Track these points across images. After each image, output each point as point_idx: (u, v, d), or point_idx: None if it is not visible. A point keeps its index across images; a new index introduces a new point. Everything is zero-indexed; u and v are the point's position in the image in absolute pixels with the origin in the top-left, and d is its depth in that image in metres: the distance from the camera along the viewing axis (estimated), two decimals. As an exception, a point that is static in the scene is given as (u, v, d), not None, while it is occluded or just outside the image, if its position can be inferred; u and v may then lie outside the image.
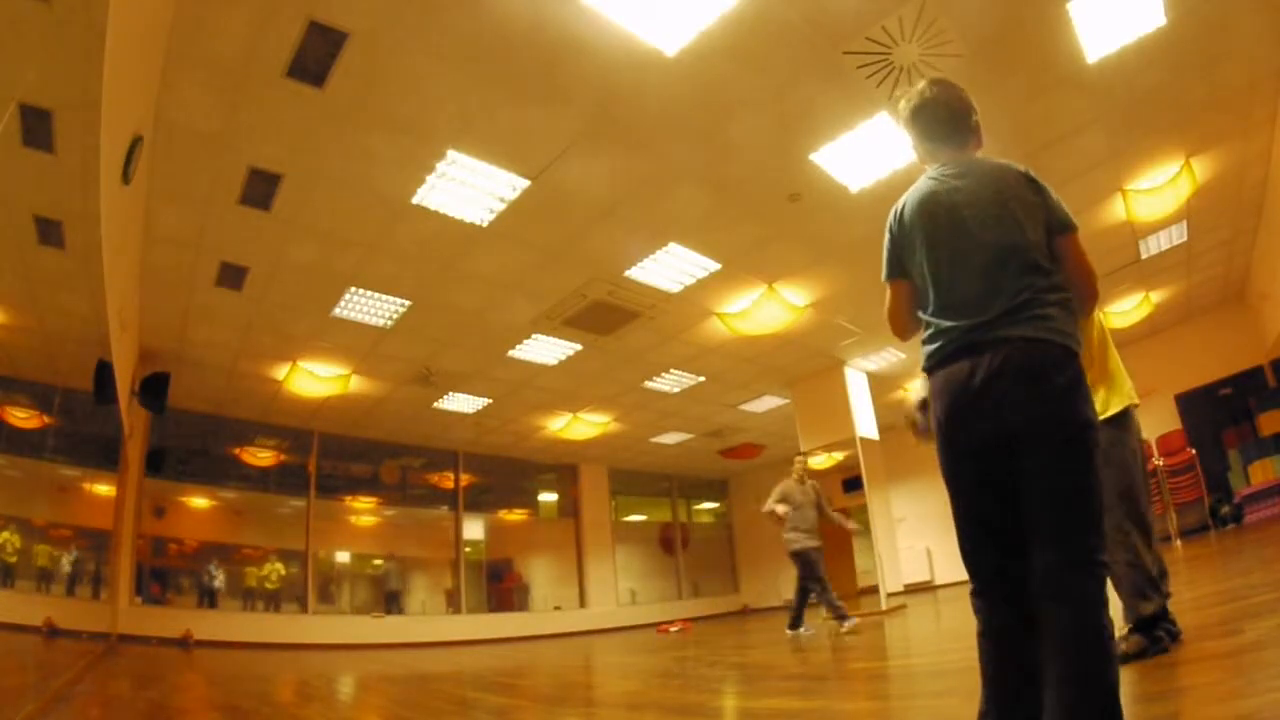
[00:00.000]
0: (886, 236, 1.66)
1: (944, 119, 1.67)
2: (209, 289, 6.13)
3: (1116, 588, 2.65)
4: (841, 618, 6.05)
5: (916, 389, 1.70)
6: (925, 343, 1.54)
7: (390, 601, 11.06)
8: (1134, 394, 2.77)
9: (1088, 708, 1.17)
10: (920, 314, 1.58)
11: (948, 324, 1.47)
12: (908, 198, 1.64)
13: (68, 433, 4.70)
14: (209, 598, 9.24)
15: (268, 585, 9.76)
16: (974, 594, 1.45)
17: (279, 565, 9.93)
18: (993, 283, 1.44)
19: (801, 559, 6.38)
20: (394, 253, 5.87)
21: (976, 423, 1.40)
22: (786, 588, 14.38)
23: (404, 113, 4.37)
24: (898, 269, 1.64)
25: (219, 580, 9.33)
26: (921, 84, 1.71)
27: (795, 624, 6.39)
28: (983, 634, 1.40)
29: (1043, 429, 1.34)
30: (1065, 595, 1.26)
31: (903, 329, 1.69)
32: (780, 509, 6.49)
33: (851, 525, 7.09)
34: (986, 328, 1.40)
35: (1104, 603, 1.26)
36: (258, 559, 9.97)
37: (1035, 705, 1.26)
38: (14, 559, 3.51)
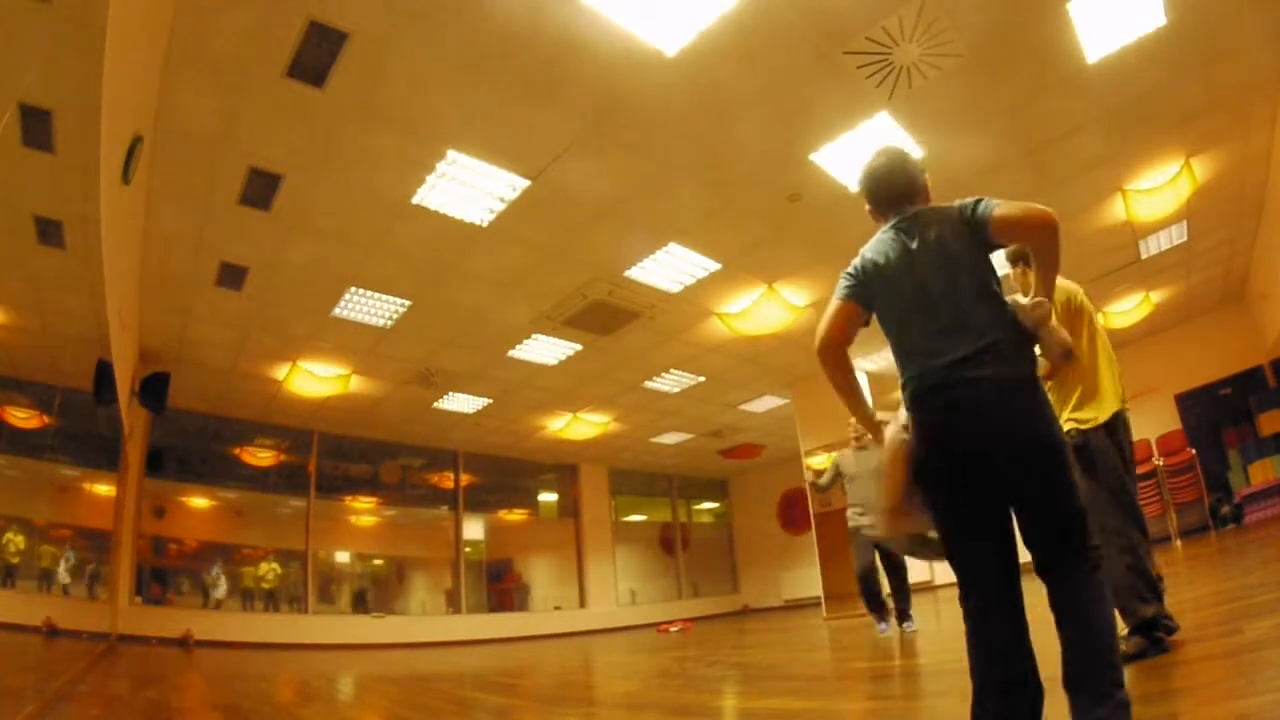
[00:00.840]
0: (845, 280, 1.78)
1: (885, 185, 1.83)
2: (209, 289, 6.13)
3: (1115, 590, 2.65)
4: (900, 615, 5.27)
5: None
6: (904, 382, 1.67)
7: (359, 602, 11.00)
8: (1122, 398, 2.77)
9: (1092, 662, 1.41)
10: (895, 353, 1.72)
11: (920, 366, 1.61)
12: (868, 252, 1.77)
13: (68, 433, 4.70)
14: (214, 598, 9.27)
15: (264, 585, 9.77)
16: (964, 597, 1.57)
17: (275, 565, 9.93)
18: (955, 326, 1.58)
19: (855, 541, 5.45)
20: (394, 253, 5.87)
21: (952, 453, 1.55)
22: (787, 587, 14.43)
23: (404, 113, 4.37)
24: (853, 296, 1.76)
25: (223, 582, 9.36)
26: (872, 154, 1.89)
27: (900, 617, 5.31)
28: (974, 631, 1.53)
29: (1015, 456, 1.51)
30: (1065, 579, 1.50)
31: (834, 345, 1.77)
32: (822, 482, 5.68)
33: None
34: (956, 367, 1.54)
35: (1099, 580, 1.50)
36: (257, 559, 9.98)
37: (1026, 684, 1.46)
38: (16, 559, 3.52)
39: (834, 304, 1.78)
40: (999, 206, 1.61)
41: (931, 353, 1.59)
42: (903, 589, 5.34)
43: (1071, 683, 1.43)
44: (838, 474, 5.61)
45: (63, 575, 3.90)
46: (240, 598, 9.58)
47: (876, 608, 5.45)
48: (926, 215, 1.73)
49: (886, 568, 5.41)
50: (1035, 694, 1.46)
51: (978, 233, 1.62)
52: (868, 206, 1.90)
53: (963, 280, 1.61)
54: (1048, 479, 1.51)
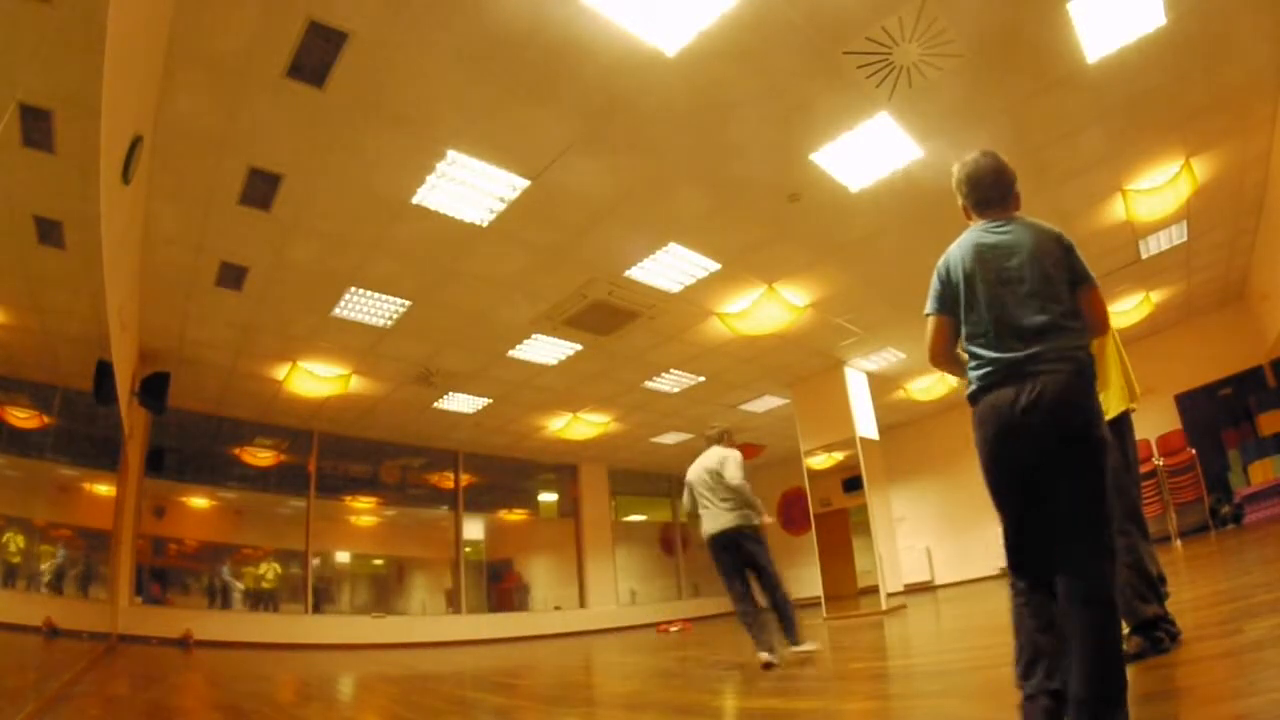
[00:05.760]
0: (935, 278, 1.92)
1: (992, 184, 1.94)
2: (209, 289, 6.13)
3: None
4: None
5: None
6: (974, 369, 1.79)
7: (320, 598, 10.75)
8: (1131, 397, 2.77)
9: (1100, 657, 1.51)
10: (967, 346, 1.82)
11: (995, 355, 1.72)
12: (958, 247, 1.90)
13: (68, 433, 4.70)
14: (221, 598, 9.28)
15: (264, 585, 9.78)
16: (1014, 575, 1.73)
17: (275, 565, 9.94)
18: (1032, 320, 1.71)
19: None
20: (394, 253, 5.87)
21: (1018, 440, 1.67)
22: (787, 587, 14.41)
23: (404, 113, 4.37)
24: (943, 306, 1.90)
25: (232, 581, 9.38)
26: (975, 154, 2.00)
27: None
28: (1023, 605, 1.68)
29: (1071, 448, 1.63)
30: (1085, 573, 1.59)
31: (941, 359, 1.96)
32: (686, 507, 4.93)
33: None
34: (1031, 360, 1.67)
35: (1113, 577, 1.61)
36: (257, 559, 9.99)
37: (1061, 655, 1.59)
38: (17, 559, 3.51)
39: (929, 321, 1.94)
40: (1097, 284, 1.85)
41: (1004, 350, 1.71)
42: (774, 599, 4.52)
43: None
44: (690, 491, 4.84)
45: (46, 574, 3.87)
46: (240, 597, 9.60)
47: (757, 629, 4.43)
48: (1022, 223, 1.88)
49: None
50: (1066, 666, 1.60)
51: (1071, 271, 1.81)
52: (963, 203, 2.01)
53: (1055, 288, 1.77)
54: (1092, 475, 1.67)
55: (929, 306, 1.93)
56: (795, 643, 4.45)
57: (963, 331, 1.83)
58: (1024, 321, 1.71)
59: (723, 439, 4.90)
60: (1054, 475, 1.64)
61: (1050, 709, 1.57)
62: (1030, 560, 1.70)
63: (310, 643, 9.01)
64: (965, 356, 1.86)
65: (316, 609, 9.83)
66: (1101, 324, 1.85)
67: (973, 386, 1.78)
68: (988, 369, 1.73)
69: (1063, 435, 1.63)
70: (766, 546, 4.62)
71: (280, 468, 10.29)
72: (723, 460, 4.62)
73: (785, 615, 4.48)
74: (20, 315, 3.43)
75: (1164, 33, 4.30)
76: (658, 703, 3.34)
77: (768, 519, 4.70)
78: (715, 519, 4.56)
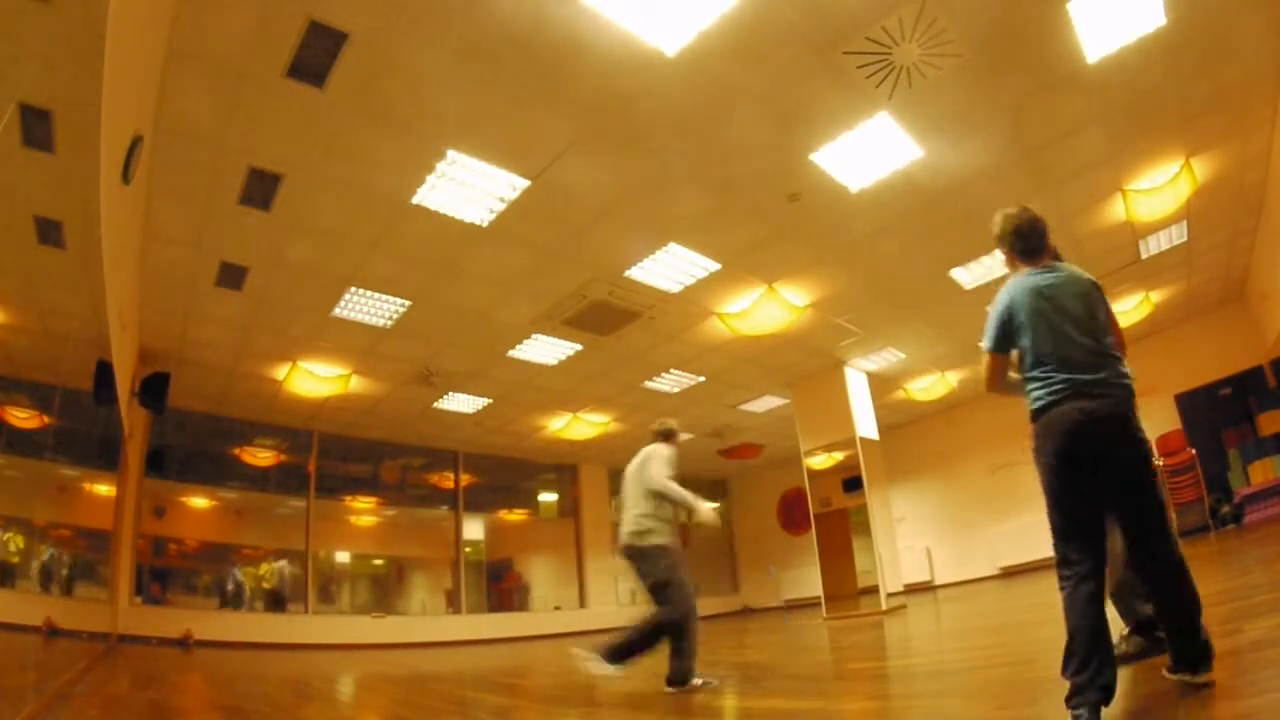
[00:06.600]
0: (996, 318, 2.20)
1: (1039, 237, 2.28)
2: (209, 289, 6.13)
3: (1116, 589, 2.65)
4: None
5: None
6: (1038, 389, 2.08)
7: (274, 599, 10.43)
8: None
9: (1189, 588, 1.93)
10: (1034, 370, 2.11)
11: (1065, 376, 2.04)
12: (1017, 290, 2.18)
13: (68, 433, 4.69)
14: (234, 598, 9.29)
15: (265, 585, 9.78)
16: (1069, 568, 1.94)
17: (275, 565, 9.94)
18: (1089, 349, 2.06)
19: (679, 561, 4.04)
20: (394, 253, 5.87)
21: (1088, 442, 1.97)
22: (787, 587, 14.44)
23: (404, 113, 4.37)
24: (1000, 345, 2.21)
25: (243, 582, 9.40)
26: (1017, 209, 2.32)
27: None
28: (1081, 597, 1.89)
29: (1126, 455, 1.98)
30: (1165, 553, 1.97)
31: (997, 388, 2.30)
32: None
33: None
34: (1091, 384, 2.01)
35: (1176, 541, 2.00)
36: (257, 559, 9.99)
37: (1109, 642, 1.84)
38: (16, 559, 3.51)
39: (987, 357, 2.25)
40: (1117, 330, 2.30)
41: (1070, 373, 2.05)
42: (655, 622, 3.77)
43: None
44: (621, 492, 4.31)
45: (34, 573, 3.86)
46: (256, 597, 9.63)
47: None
48: (1063, 269, 2.21)
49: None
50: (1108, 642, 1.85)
51: (1105, 308, 2.18)
52: (1009, 252, 2.33)
53: (1100, 323, 2.14)
54: (1147, 478, 2.02)
55: (988, 344, 2.22)
56: (677, 680, 3.61)
57: (1027, 359, 2.13)
58: (1084, 351, 2.06)
59: (664, 437, 4.19)
60: (1111, 471, 1.97)
61: (1101, 702, 1.75)
62: (1085, 550, 1.94)
63: (310, 643, 9.01)
64: (1016, 378, 2.24)
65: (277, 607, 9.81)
66: (1122, 344, 2.27)
67: (1041, 402, 2.06)
68: (1058, 387, 2.03)
69: (1119, 439, 1.98)
70: (666, 564, 3.81)
71: (280, 468, 10.30)
72: (647, 457, 4.03)
73: (651, 641, 3.73)
74: (20, 315, 3.43)
75: (1164, 33, 4.30)
76: (658, 703, 3.34)
77: (703, 515, 3.95)
78: (622, 528, 4.02)
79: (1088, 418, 1.98)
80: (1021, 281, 2.20)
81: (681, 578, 3.83)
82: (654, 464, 3.99)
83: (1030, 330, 2.12)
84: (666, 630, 3.72)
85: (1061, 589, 1.95)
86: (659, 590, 3.80)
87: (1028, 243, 2.28)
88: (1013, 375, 2.28)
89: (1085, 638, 1.82)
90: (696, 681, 3.64)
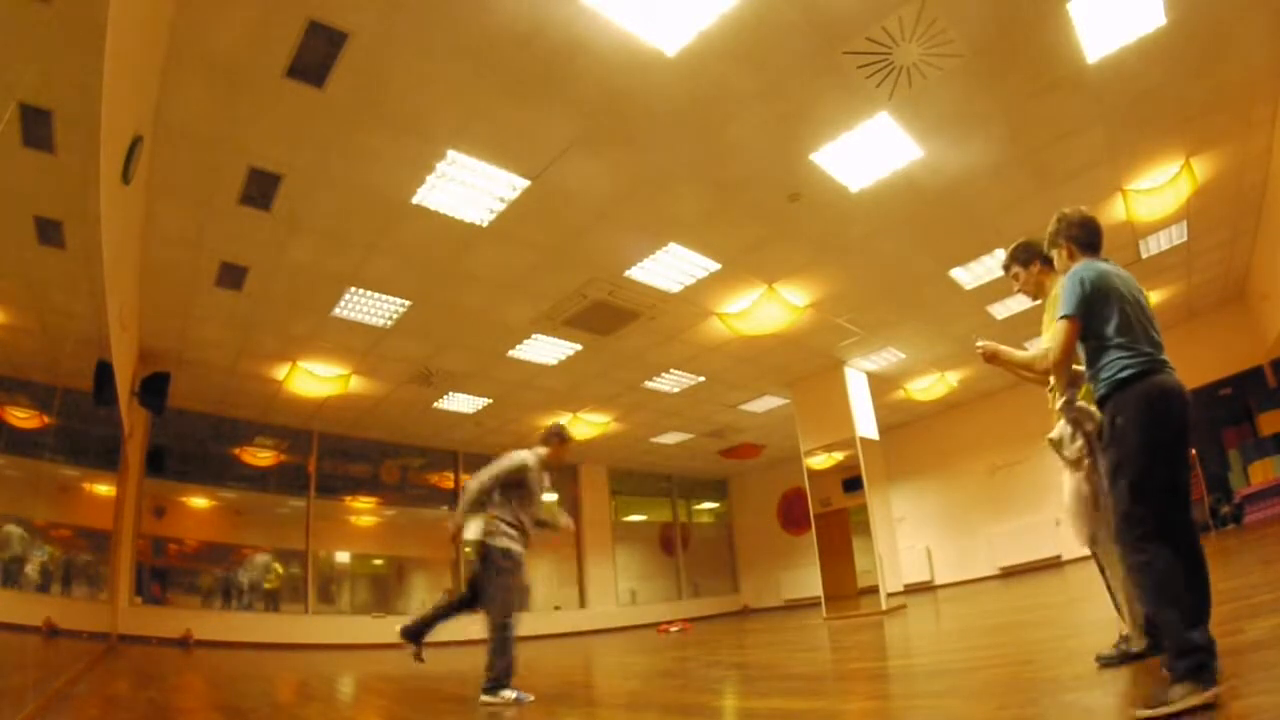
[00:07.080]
0: (1079, 288, 2.24)
1: (1097, 231, 2.49)
2: (209, 289, 6.13)
3: (1116, 590, 2.66)
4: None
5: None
6: (1126, 359, 2.15)
7: (230, 593, 10.13)
8: None
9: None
10: (1116, 339, 2.18)
11: (1148, 350, 2.15)
12: (1088, 269, 2.28)
13: (68, 433, 4.69)
14: (236, 597, 9.27)
15: (266, 585, 9.78)
16: (1150, 537, 1.97)
17: (276, 565, 9.94)
18: (1156, 330, 2.22)
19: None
20: (394, 253, 5.87)
21: (1185, 406, 2.09)
22: (787, 587, 14.44)
23: (404, 113, 4.37)
24: (1081, 310, 2.23)
25: (251, 578, 9.40)
26: (1082, 209, 2.56)
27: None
28: (1156, 556, 1.94)
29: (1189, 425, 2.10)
30: (1196, 535, 2.04)
31: (1067, 356, 2.31)
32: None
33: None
34: (1166, 363, 2.15)
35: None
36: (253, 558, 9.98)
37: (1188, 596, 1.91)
38: (16, 559, 3.51)
39: (1066, 322, 2.24)
40: None
41: (1152, 349, 2.16)
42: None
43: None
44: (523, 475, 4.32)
45: (30, 572, 3.85)
46: (261, 596, 9.64)
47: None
48: (1115, 263, 2.38)
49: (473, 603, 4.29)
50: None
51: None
52: (1073, 246, 2.50)
53: (1152, 314, 2.28)
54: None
55: (1069, 309, 2.23)
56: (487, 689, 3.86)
57: (1108, 329, 2.18)
58: (1153, 331, 2.21)
59: (544, 438, 4.43)
60: (1187, 443, 2.09)
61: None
62: (1167, 521, 1.98)
63: (310, 643, 9.01)
64: (1085, 356, 2.31)
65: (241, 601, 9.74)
66: None
67: (1130, 370, 2.12)
68: (1143, 359, 2.13)
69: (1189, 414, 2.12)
70: (498, 568, 4.07)
71: (280, 468, 10.29)
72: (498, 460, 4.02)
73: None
74: (20, 315, 3.43)
75: (1164, 33, 4.30)
76: (658, 703, 3.34)
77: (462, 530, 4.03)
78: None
79: (1182, 389, 2.11)
80: (1092, 264, 2.32)
81: (508, 583, 4.01)
82: (488, 468, 4.13)
83: (1114, 303, 2.21)
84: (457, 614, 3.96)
85: (1157, 567, 1.94)
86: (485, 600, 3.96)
87: (1091, 236, 2.46)
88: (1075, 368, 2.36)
89: (1192, 601, 1.86)
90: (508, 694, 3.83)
